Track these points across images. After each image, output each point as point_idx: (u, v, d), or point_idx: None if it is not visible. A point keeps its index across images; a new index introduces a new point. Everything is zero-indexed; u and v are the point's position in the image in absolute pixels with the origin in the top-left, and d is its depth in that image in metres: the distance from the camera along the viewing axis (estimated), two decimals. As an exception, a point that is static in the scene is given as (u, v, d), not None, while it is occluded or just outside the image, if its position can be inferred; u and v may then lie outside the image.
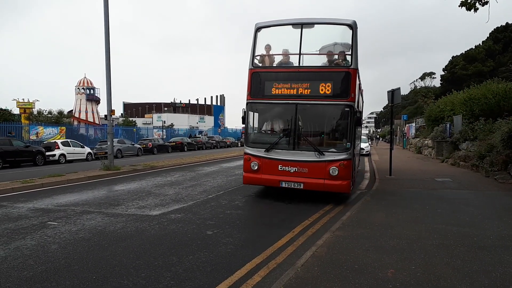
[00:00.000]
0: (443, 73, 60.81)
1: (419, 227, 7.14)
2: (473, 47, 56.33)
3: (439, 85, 64.96)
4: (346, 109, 9.41)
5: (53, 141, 28.29)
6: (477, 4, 13.12)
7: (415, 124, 42.03)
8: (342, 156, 9.42)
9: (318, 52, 10.56)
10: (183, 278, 4.82)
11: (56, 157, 24.72)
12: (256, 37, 10.17)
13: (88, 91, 57.98)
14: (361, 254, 5.55)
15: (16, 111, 40.91)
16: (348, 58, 9.69)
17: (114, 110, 18.28)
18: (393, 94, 15.28)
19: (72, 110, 57.99)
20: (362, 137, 36.19)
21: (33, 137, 32.07)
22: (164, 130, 54.43)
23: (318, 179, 9.53)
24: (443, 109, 27.03)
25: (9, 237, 6.61)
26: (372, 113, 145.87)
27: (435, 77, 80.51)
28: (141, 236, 6.72)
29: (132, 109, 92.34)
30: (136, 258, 5.54)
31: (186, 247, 6.09)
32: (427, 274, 4.77)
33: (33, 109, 43.03)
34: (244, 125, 10.61)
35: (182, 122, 77.71)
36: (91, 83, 58.45)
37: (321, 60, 10.38)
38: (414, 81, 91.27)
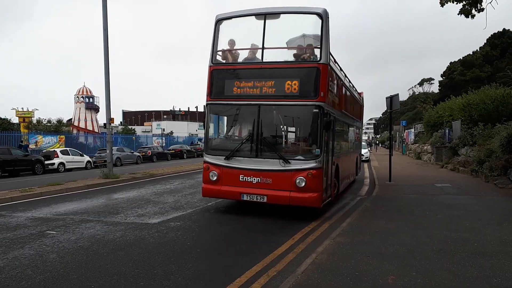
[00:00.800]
0: (441, 79, 61.01)
1: (419, 233, 7.12)
2: (471, 53, 56.58)
3: (438, 91, 65.16)
4: (315, 110, 8.32)
5: (52, 149, 28.26)
6: (473, 11, 13.21)
7: (414, 130, 42.10)
8: (311, 164, 8.28)
9: (283, 46, 9.55)
10: (182, 287, 4.79)
11: (55, 166, 24.65)
12: (217, 30, 9.20)
13: (87, 100, 58.10)
14: (362, 261, 5.52)
15: (15, 120, 40.91)
16: (317, 52, 8.58)
17: (113, 118, 18.35)
18: (391, 100, 15.31)
19: (71, 118, 58.04)
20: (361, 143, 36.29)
21: (32, 146, 32.04)
22: (164, 138, 54.41)
23: (283, 191, 8.39)
24: (441, 114, 27.09)
25: (7, 246, 6.57)
26: (371, 119, 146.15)
27: (433, 83, 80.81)
28: (140, 245, 6.68)
29: (131, 117, 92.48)
30: (135, 267, 5.50)
31: (186, 256, 6.06)
32: (427, 281, 4.74)
33: (32, 118, 43.02)
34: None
35: (181, 129, 77.77)
36: (90, 92, 58.57)
37: (289, 55, 9.31)
38: (412, 87, 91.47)
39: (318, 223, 8.49)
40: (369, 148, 37.12)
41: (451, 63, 59.44)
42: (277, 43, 9.32)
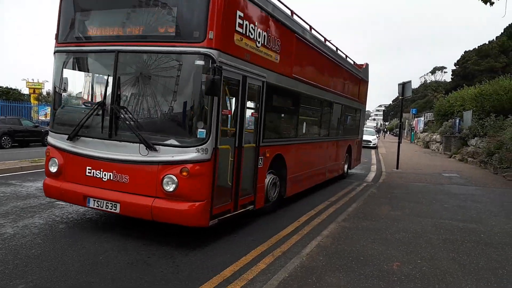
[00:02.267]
0: (454, 67, 60.05)
1: (425, 222, 7.12)
2: (487, 42, 55.45)
3: (450, 79, 64.24)
4: (199, 62, 5.15)
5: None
6: (492, -3, 12.80)
7: (424, 119, 41.73)
8: (188, 155, 5.12)
9: None
10: (189, 262, 4.86)
11: (64, 138, 24.87)
12: None
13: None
14: (367, 246, 5.55)
15: (25, 91, 41.07)
16: None
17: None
18: (403, 87, 15.14)
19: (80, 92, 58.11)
20: (369, 129, 36.09)
21: (42, 118, 32.25)
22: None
23: (143, 196, 5.27)
24: (453, 104, 26.82)
25: (18, 215, 6.68)
26: (380, 105, 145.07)
27: (446, 72, 79.56)
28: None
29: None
30: (143, 238, 5.58)
31: (193, 233, 6.13)
32: (432, 269, 4.76)
33: (43, 89, 43.16)
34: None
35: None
36: (100, 66, 58.45)
37: None
38: (424, 75, 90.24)
39: (323, 206, 8.52)
40: (377, 135, 36.96)
41: (465, 52, 58.32)
42: None
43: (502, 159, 14.43)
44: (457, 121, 23.50)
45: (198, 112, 5.31)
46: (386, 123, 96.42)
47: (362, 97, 14.34)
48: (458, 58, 59.24)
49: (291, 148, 8.21)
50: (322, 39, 9.71)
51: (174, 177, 5.10)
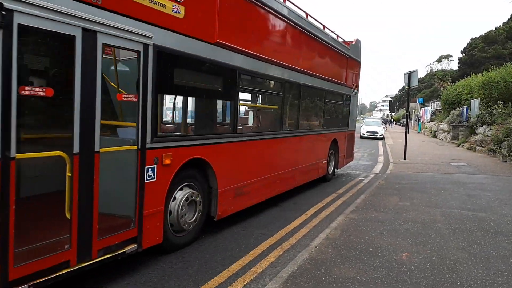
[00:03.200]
0: (461, 55, 59.42)
1: (434, 211, 7.08)
2: (493, 29, 54.75)
3: (457, 68, 63.59)
4: None
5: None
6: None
7: (431, 108, 41.43)
8: None
9: None
10: (198, 257, 4.88)
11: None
12: None
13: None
14: (375, 237, 5.53)
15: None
16: None
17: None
18: (410, 76, 14.99)
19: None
20: (376, 120, 35.89)
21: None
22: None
23: None
24: (460, 92, 26.58)
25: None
26: (386, 96, 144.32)
27: (453, 60, 78.67)
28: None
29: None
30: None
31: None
32: (442, 258, 4.74)
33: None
34: None
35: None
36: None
37: None
38: (430, 63, 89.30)
39: (331, 199, 8.50)
40: (384, 126, 36.82)
41: (472, 39, 57.67)
42: None
43: (511, 146, 14.28)
44: (465, 109, 23.28)
45: None
46: (393, 114, 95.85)
47: (351, 80, 11.45)
48: (465, 46, 58.63)
49: (224, 148, 5.74)
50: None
51: None
